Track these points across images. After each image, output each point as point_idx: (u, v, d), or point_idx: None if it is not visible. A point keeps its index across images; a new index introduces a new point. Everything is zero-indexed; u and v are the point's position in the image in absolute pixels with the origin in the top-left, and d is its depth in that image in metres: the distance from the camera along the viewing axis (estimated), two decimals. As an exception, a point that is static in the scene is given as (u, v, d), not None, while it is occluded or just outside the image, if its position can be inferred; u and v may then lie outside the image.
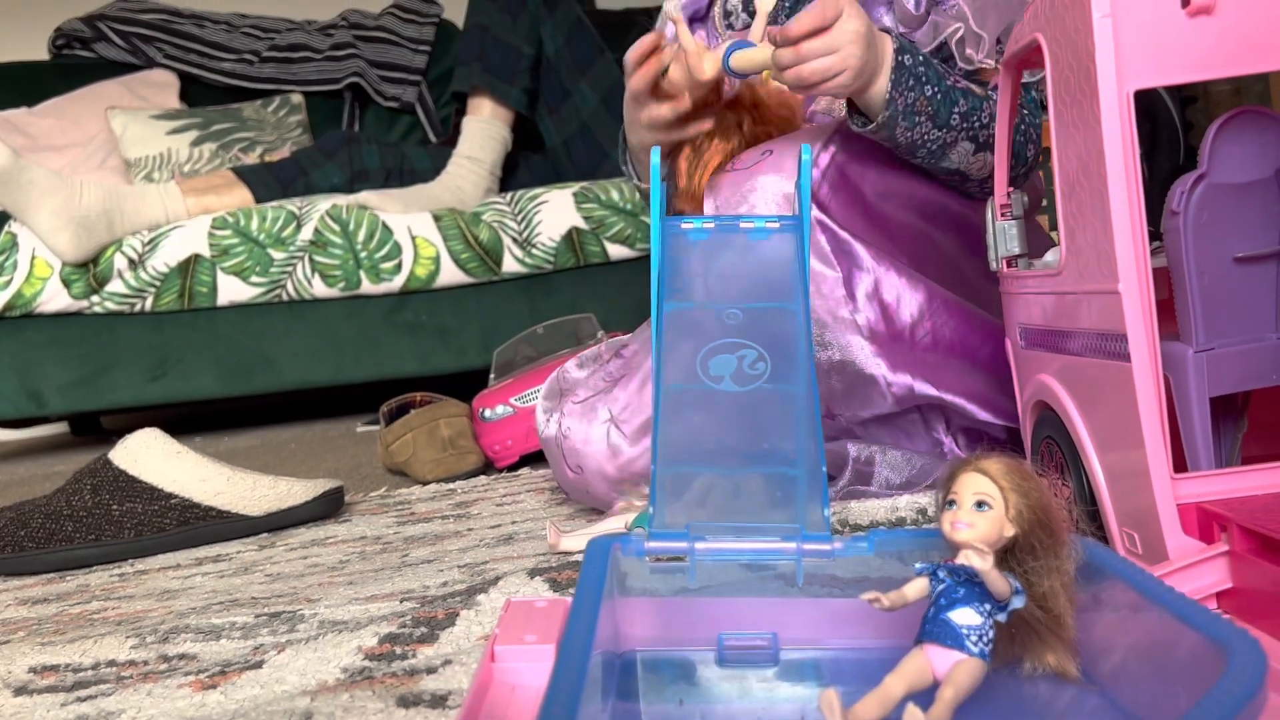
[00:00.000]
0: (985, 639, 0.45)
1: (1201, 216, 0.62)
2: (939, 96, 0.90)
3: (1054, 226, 1.75)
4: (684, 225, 0.73)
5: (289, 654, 0.70)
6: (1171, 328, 0.64)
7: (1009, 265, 0.75)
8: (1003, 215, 0.73)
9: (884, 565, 0.60)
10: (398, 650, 0.68)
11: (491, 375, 1.60)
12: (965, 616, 0.44)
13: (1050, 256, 0.71)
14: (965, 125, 0.91)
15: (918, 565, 0.48)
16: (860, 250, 0.91)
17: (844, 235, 0.91)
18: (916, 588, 0.47)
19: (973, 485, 0.47)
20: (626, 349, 1.08)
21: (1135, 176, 0.57)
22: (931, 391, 0.93)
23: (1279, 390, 0.64)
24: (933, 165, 0.94)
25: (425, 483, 1.41)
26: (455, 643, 0.69)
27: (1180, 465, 0.60)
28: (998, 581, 0.44)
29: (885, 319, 0.92)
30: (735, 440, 0.68)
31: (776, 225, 0.70)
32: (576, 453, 1.01)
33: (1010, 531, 0.46)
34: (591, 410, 1.02)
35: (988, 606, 0.45)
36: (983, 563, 0.44)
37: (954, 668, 0.43)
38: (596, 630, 0.45)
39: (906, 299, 0.92)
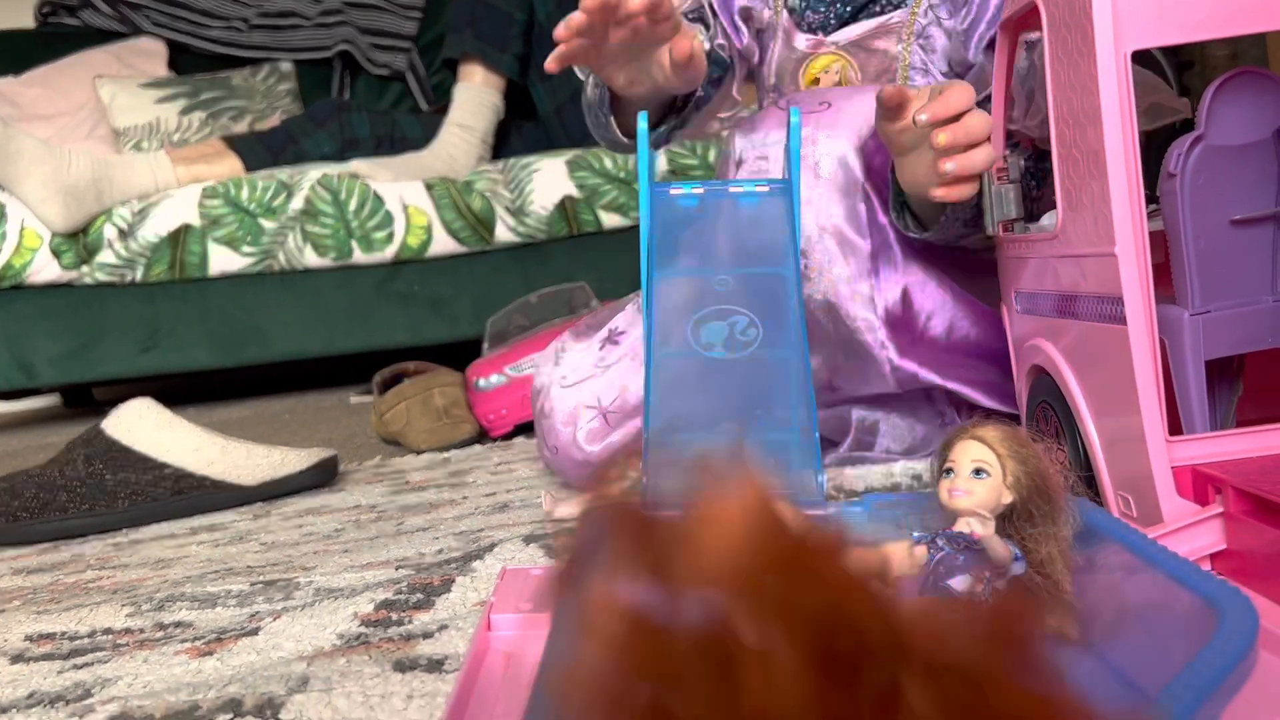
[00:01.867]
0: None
1: (1198, 179, 0.61)
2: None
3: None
4: (673, 191, 0.72)
5: (285, 621, 0.70)
6: (1167, 291, 0.64)
7: (1005, 229, 0.74)
8: (1000, 179, 0.73)
9: (879, 530, 0.60)
10: (394, 617, 0.69)
11: (485, 344, 1.59)
12: (966, 584, 0.44)
13: (1047, 220, 0.71)
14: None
15: (914, 534, 0.48)
16: (892, 232, 0.89)
17: (880, 212, 0.88)
18: (900, 552, 0.46)
19: (970, 453, 0.47)
20: (619, 331, 1.07)
21: (1133, 138, 0.56)
22: (936, 380, 0.91)
23: (1275, 353, 0.64)
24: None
25: (419, 452, 1.41)
26: (451, 609, 0.69)
27: (1175, 429, 0.60)
28: (998, 548, 0.44)
29: (904, 305, 0.89)
30: (728, 407, 0.68)
31: (766, 189, 0.69)
32: (555, 432, 1.02)
33: (1008, 498, 0.46)
34: (575, 391, 1.02)
35: (987, 573, 0.45)
36: (984, 529, 0.44)
37: None
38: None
39: (930, 290, 0.89)
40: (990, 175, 0.73)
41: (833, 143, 0.87)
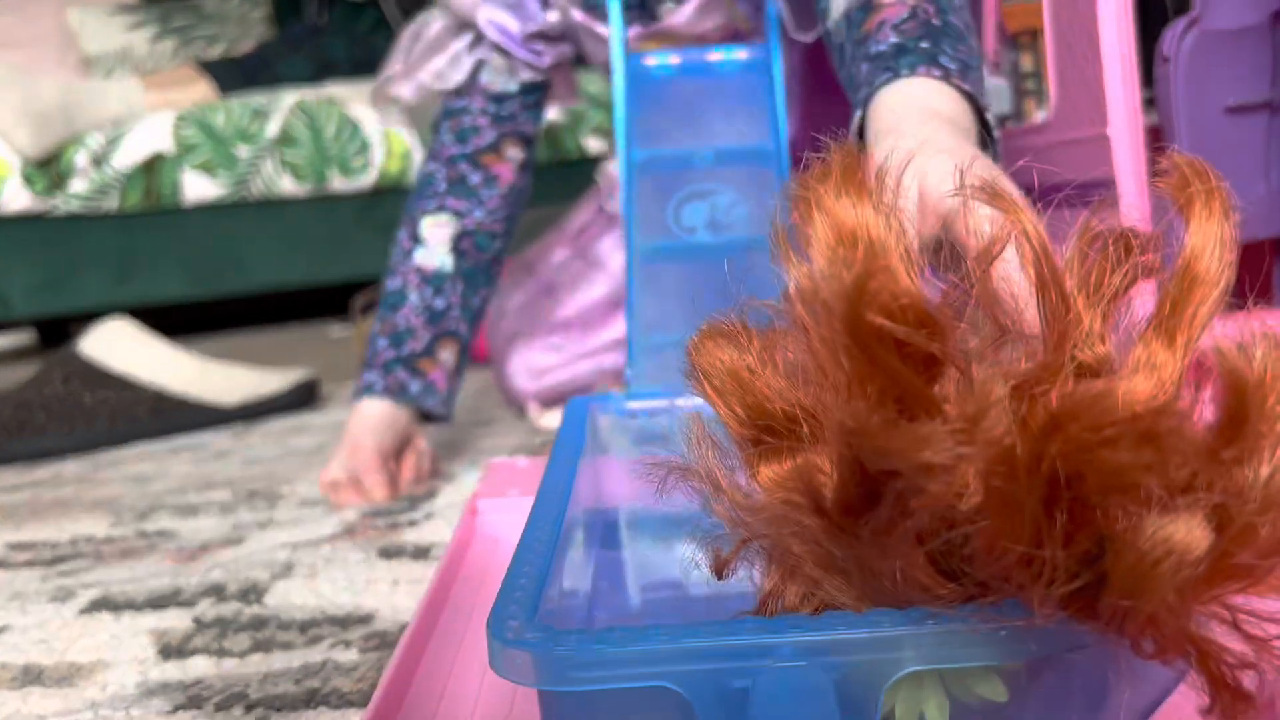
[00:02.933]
0: None
1: (1193, 63, 0.60)
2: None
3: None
4: (647, 61, 0.70)
5: (271, 530, 0.69)
6: (1159, 183, 0.63)
7: (999, 124, 0.73)
8: (993, 72, 0.71)
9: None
10: (380, 522, 0.68)
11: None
12: None
13: (1040, 115, 0.70)
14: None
15: None
16: None
17: None
18: None
19: None
20: (541, 262, 1.07)
21: (1127, 15, 0.55)
22: None
23: (1265, 245, 0.63)
24: None
25: (402, 375, 1.40)
26: (436, 509, 0.69)
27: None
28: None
29: None
30: (713, 300, 0.67)
31: (745, 55, 0.67)
32: (507, 375, 1.02)
33: None
34: (514, 341, 1.03)
35: None
36: None
37: None
38: (575, 483, 0.44)
39: None
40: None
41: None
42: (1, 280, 2.08)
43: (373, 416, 0.77)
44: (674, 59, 0.68)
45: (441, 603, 0.42)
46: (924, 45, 0.53)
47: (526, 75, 0.86)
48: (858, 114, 0.53)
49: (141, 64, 2.46)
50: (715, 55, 0.67)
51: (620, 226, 1.00)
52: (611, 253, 1.06)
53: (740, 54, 0.67)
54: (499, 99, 0.85)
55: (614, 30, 0.68)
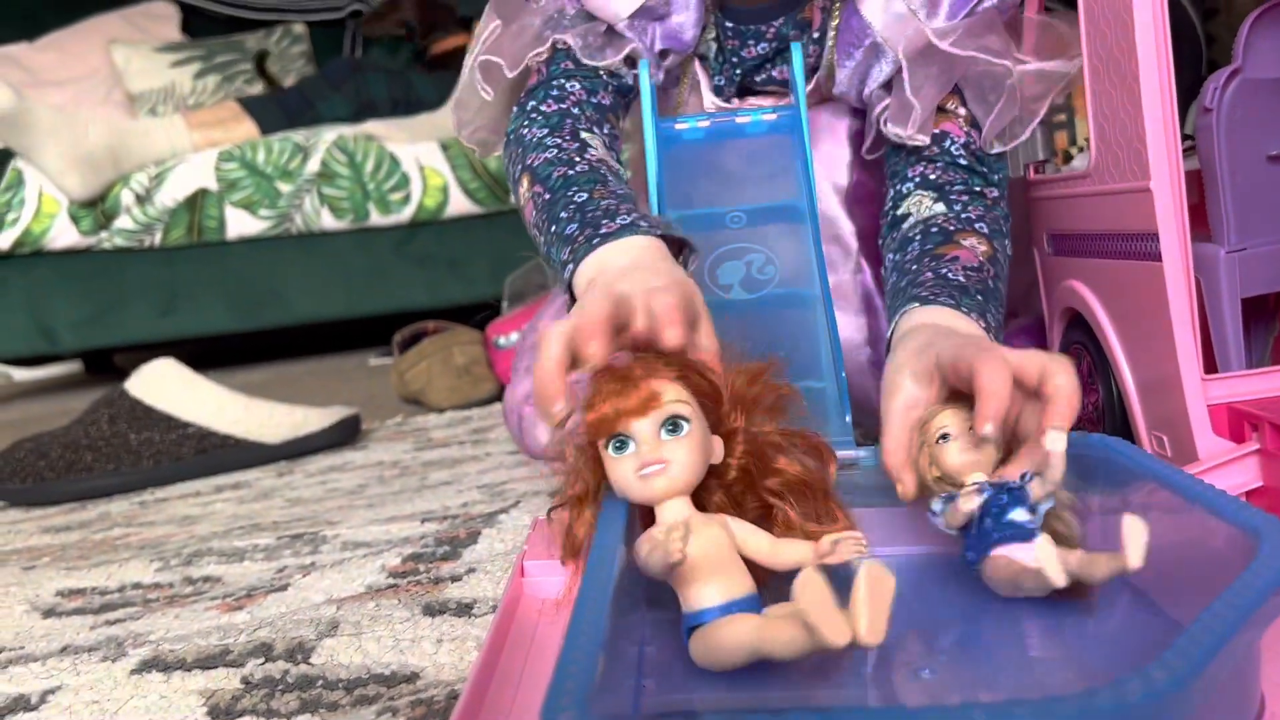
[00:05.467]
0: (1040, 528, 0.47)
1: (1235, 113, 0.60)
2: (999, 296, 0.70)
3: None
4: (678, 126, 0.70)
5: (314, 576, 0.70)
6: (1202, 230, 0.63)
7: (1035, 171, 0.73)
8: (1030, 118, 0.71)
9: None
10: (421, 569, 0.69)
11: (504, 303, 1.59)
12: (1021, 515, 0.46)
13: (1078, 161, 0.70)
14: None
15: (939, 498, 0.49)
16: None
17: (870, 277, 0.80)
18: (972, 503, 0.47)
19: (960, 415, 0.50)
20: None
21: (1167, 68, 0.55)
22: None
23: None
24: None
25: (440, 410, 1.41)
26: (478, 558, 0.69)
27: (1210, 367, 0.59)
28: (1060, 459, 0.45)
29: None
30: (752, 352, 0.67)
31: (774, 116, 0.67)
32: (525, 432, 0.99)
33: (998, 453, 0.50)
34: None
35: (1028, 506, 0.46)
36: (1061, 444, 0.45)
37: (1043, 545, 0.43)
38: (621, 545, 0.45)
39: None
40: None
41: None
42: (48, 314, 2.12)
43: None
44: (703, 122, 0.69)
45: (490, 671, 0.42)
46: (979, 298, 0.63)
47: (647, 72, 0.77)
48: (914, 306, 0.61)
49: (184, 100, 2.50)
50: (744, 118, 0.68)
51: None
52: None
53: (768, 115, 0.67)
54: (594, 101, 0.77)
55: (644, 95, 0.69)
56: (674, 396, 0.44)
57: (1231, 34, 0.59)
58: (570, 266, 0.60)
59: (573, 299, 0.61)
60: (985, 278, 0.65)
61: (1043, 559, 0.42)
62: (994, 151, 0.72)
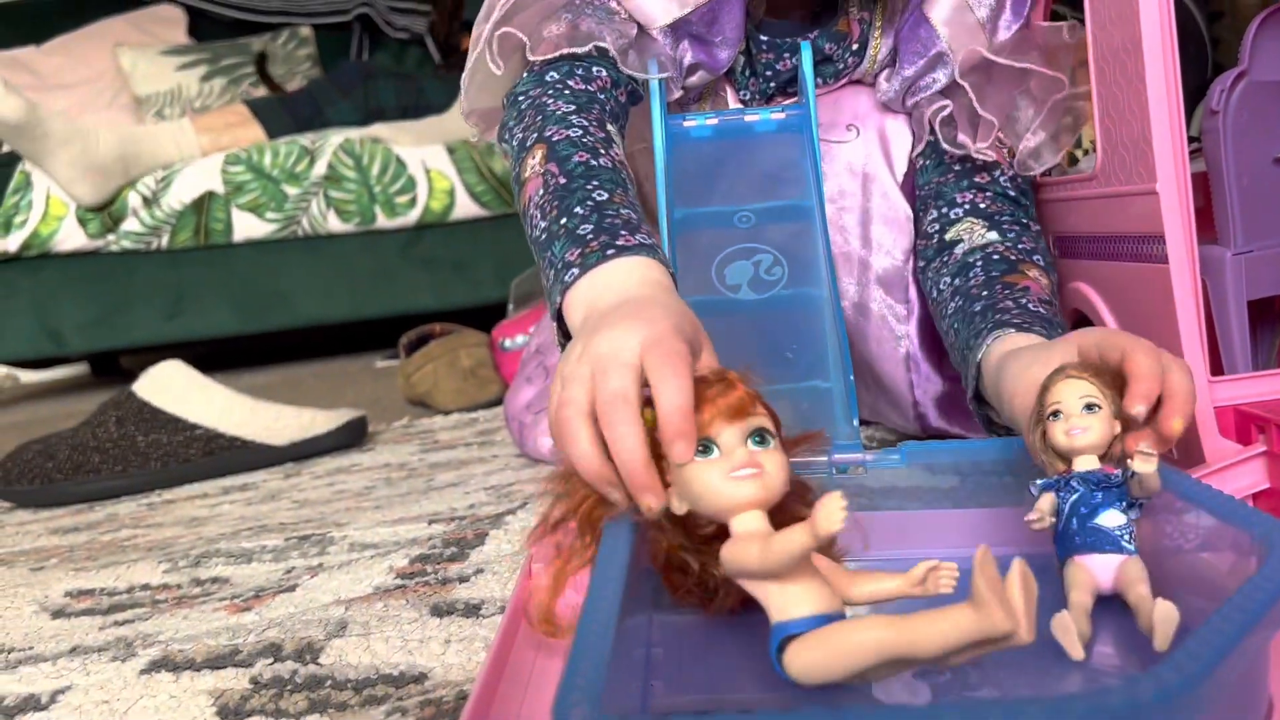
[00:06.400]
0: (1134, 536, 0.44)
1: (1241, 115, 0.60)
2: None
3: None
4: (686, 123, 0.70)
5: (322, 577, 0.70)
6: (1208, 234, 0.63)
7: (1044, 174, 0.73)
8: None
9: (913, 476, 0.59)
10: (429, 570, 0.69)
11: (510, 305, 1.59)
12: (1112, 519, 0.44)
13: (1084, 163, 0.70)
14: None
15: (1039, 481, 0.47)
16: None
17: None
18: (1049, 502, 0.45)
19: (1076, 390, 0.46)
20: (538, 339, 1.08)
21: (1173, 70, 0.55)
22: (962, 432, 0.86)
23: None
24: None
25: (447, 412, 1.41)
26: (485, 559, 0.69)
27: (1217, 370, 0.59)
28: (1153, 478, 0.43)
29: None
30: (758, 353, 0.67)
31: (782, 115, 0.67)
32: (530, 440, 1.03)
33: (1117, 429, 0.46)
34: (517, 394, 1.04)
35: (1125, 504, 0.44)
36: (1150, 465, 0.43)
37: (1128, 567, 0.42)
38: (630, 548, 0.45)
39: None
40: None
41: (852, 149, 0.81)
42: (55, 316, 2.12)
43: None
44: (712, 120, 0.69)
45: (499, 671, 0.42)
46: (1059, 331, 0.63)
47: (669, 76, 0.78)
48: (1010, 331, 0.63)
49: (191, 103, 2.51)
50: (752, 116, 0.68)
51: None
52: None
53: (777, 114, 0.67)
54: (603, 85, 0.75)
55: (653, 95, 0.69)
56: (761, 409, 0.43)
57: (1237, 36, 0.60)
58: (576, 270, 0.57)
59: (561, 296, 0.58)
60: (1054, 313, 0.66)
61: (1058, 631, 0.40)
62: (1026, 174, 0.74)
